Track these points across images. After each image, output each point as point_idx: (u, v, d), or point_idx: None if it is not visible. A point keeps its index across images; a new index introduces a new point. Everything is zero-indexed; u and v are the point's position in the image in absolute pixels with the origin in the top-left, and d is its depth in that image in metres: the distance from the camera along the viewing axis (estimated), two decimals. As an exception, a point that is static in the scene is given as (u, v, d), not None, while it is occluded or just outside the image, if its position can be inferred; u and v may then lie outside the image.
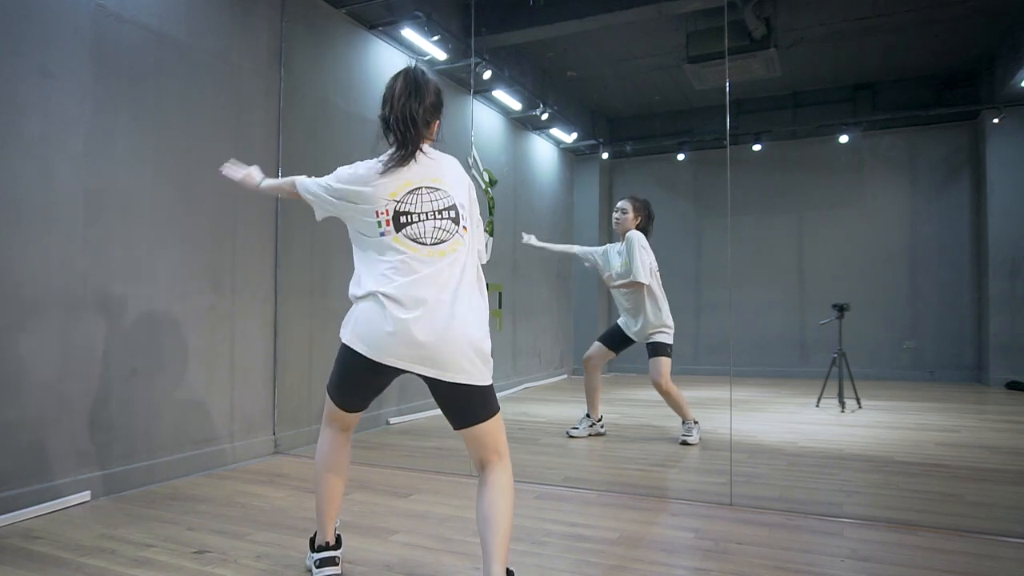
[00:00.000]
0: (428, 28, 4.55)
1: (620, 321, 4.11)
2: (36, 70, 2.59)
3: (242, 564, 2.06)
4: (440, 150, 1.93)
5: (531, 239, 4.11)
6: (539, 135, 6.88)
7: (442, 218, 1.75)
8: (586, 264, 4.30)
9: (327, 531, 1.93)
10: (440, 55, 4.91)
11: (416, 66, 1.85)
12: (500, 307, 5.74)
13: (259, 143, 3.64)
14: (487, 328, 1.77)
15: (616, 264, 4.03)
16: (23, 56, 2.55)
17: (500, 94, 5.76)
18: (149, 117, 3.04)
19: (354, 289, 1.79)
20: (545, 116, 6.20)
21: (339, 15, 4.23)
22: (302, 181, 1.93)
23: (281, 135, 3.76)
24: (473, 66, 4.98)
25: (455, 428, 1.77)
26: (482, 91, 5.62)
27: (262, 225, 3.66)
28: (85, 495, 2.72)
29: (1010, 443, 3.92)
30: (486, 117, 5.97)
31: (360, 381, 1.80)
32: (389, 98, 1.81)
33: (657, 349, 3.89)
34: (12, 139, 2.51)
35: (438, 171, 1.82)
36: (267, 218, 3.69)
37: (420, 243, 1.72)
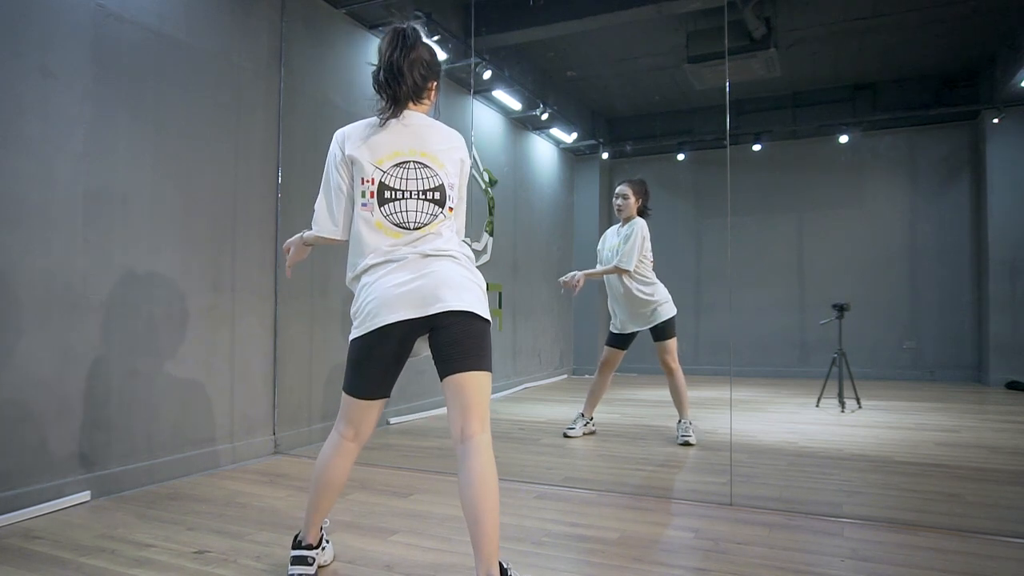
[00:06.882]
0: (428, 28, 4.55)
1: (614, 320, 4.13)
2: (36, 70, 2.59)
3: (242, 564, 2.06)
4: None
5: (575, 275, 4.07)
6: (539, 135, 6.88)
7: (426, 199, 1.69)
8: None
9: (309, 530, 1.92)
10: (440, 55, 4.90)
11: (408, 24, 1.76)
12: (500, 307, 5.74)
13: (259, 143, 3.64)
14: (477, 280, 1.71)
15: (614, 243, 4.07)
16: (23, 56, 2.55)
17: (500, 94, 5.76)
18: (149, 117, 3.04)
19: (349, 272, 1.78)
20: (545, 116, 6.19)
21: (339, 15, 4.23)
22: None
23: (281, 135, 3.76)
24: (473, 66, 4.98)
25: (443, 375, 1.67)
26: (482, 91, 5.61)
27: (262, 225, 3.66)
28: (85, 495, 2.72)
29: (1010, 443, 3.92)
30: (486, 117, 5.97)
31: (374, 355, 1.72)
32: (379, 55, 1.77)
33: (667, 330, 3.92)
34: (12, 139, 2.52)
35: (429, 142, 1.74)
36: (267, 218, 3.69)
37: (404, 228, 1.68)
